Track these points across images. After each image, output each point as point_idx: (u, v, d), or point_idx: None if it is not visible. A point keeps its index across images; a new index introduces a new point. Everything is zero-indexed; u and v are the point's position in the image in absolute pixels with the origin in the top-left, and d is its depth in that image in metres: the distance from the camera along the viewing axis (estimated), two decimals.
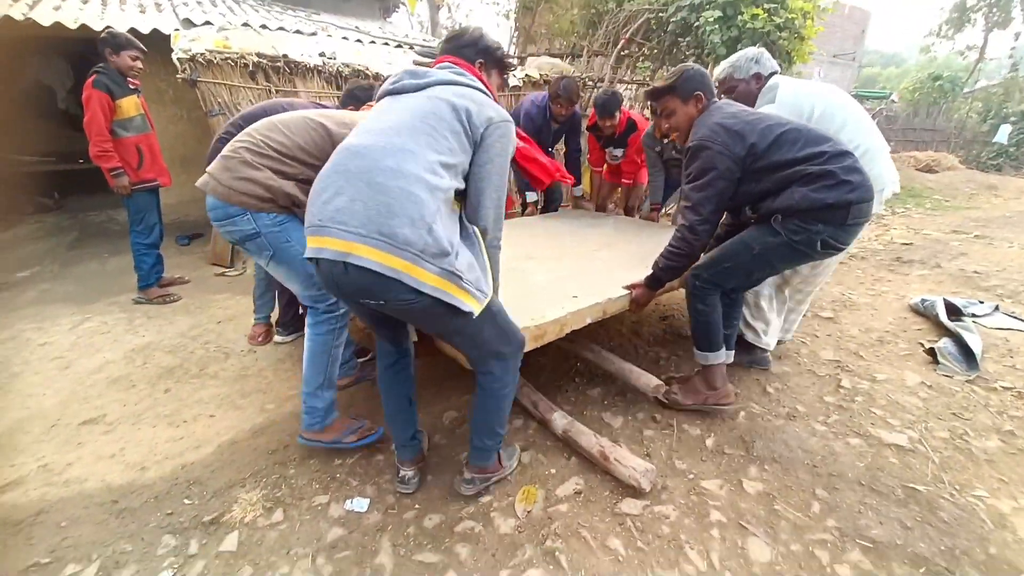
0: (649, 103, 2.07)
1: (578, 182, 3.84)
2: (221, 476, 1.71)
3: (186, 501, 1.60)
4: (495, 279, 1.41)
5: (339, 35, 5.44)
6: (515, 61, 6.18)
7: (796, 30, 4.12)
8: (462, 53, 1.47)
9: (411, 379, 1.64)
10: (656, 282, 1.97)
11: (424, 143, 1.21)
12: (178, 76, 3.40)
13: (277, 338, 2.69)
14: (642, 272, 1.99)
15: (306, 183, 1.57)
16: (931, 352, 2.68)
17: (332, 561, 1.41)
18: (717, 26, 4.21)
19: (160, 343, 2.72)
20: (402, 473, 1.65)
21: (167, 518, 1.54)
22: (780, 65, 4.36)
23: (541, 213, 3.69)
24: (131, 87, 3.07)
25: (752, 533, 1.52)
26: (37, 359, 2.55)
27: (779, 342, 2.52)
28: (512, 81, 4.79)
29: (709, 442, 1.92)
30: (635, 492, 1.65)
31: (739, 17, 4.11)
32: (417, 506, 1.61)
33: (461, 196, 1.34)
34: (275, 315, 2.73)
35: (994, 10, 13.88)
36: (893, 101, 11.64)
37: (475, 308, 1.24)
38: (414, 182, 1.15)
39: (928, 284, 3.90)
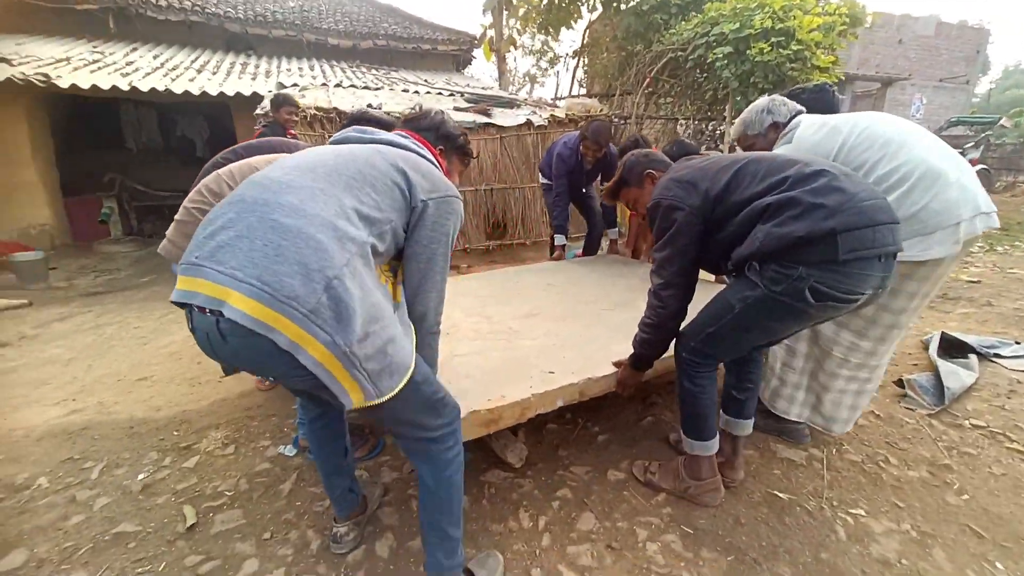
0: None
1: (614, 224, 3.76)
2: (204, 420, 2.27)
3: (174, 433, 2.17)
4: (433, 368, 1.26)
5: (400, 88, 6.35)
6: (561, 103, 6.67)
7: (808, 60, 4.10)
8: (423, 135, 1.36)
9: (343, 429, 1.49)
10: (638, 360, 1.70)
11: (342, 186, 1.02)
12: (255, 127, 4.36)
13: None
14: None
15: None
16: (900, 384, 2.55)
17: (251, 483, 1.85)
18: (727, 61, 4.33)
19: None
20: (336, 530, 1.50)
21: (159, 441, 2.11)
22: None
23: (583, 255, 3.68)
24: (288, 137, 3.70)
25: (589, 509, 1.71)
26: (129, 337, 3.41)
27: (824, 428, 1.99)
28: (537, 120, 5.26)
29: (601, 439, 2.10)
30: (505, 466, 1.90)
31: (748, 52, 4.21)
32: None
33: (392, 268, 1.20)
34: None
35: None
36: (1003, 126, 10.11)
37: (353, 403, 0.98)
38: (318, 225, 0.93)
39: (969, 323, 3.56)
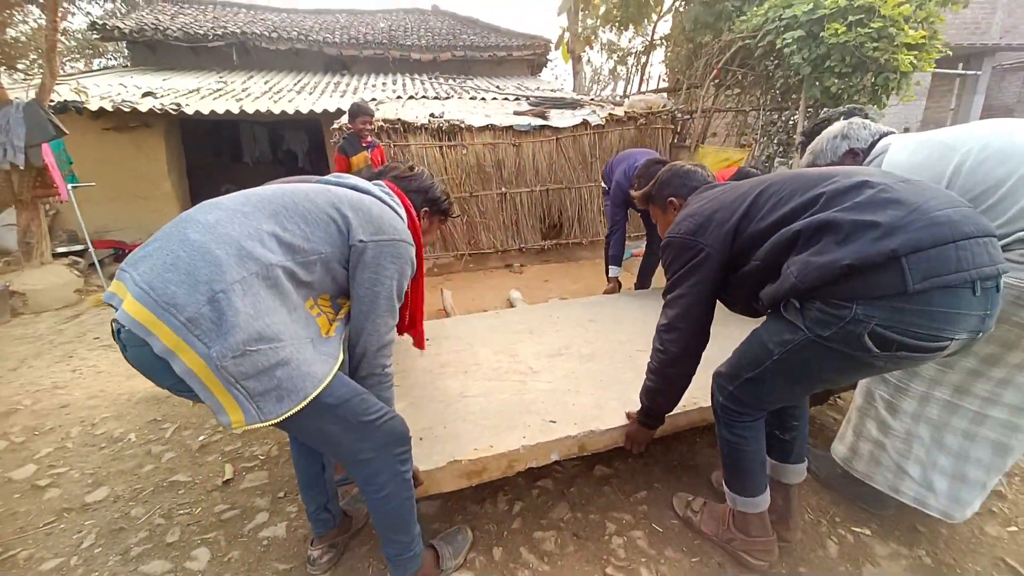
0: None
1: None
2: None
3: None
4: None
5: (468, 96, 6.66)
6: (627, 100, 6.55)
7: (894, 38, 3.62)
8: (410, 197, 1.40)
9: None
10: (646, 415, 1.54)
11: (268, 212, 1.06)
12: (332, 141, 4.87)
13: None
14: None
15: None
16: None
17: (281, 450, 2.14)
18: (797, 46, 3.97)
19: None
20: (310, 553, 1.50)
21: None
22: (887, 79, 3.91)
23: (638, 283, 3.55)
24: (363, 145, 3.97)
25: (566, 499, 1.75)
26: None
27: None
28: (594, 120, 5.23)
29: None
30: None
31: (821, 34, 3.83)
32: None
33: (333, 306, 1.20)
34: None
35: None
36: None
37: (231, 421, 0.96)
38: (221, 243, 0.97)
39: None
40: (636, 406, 1.58)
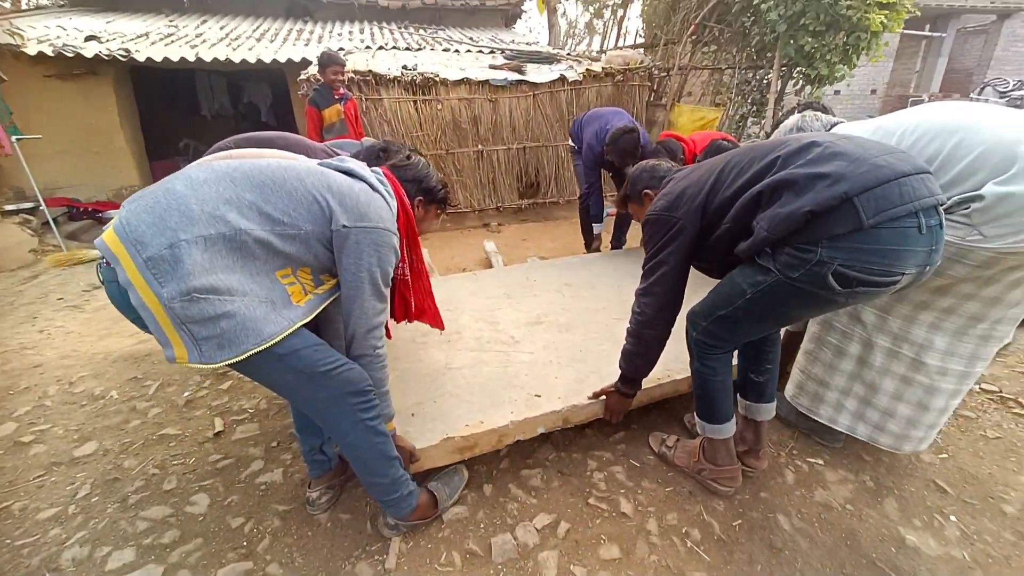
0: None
1: None
2: None
3: None
4: (378, 387, 1.30)
5: (442, 48, 6.40)
6: (604, 55, 6.44)
7: None
8: (404, 186, 1.42)
9: None
10: (626, 382, 1.64)
11: (255, 183, 1.10)
12: (299, 93, 4.65)
13: None
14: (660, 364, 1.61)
15: None
16: None
17: (270, 404, 2.18)
18: (774, 2, 3.97)
19: None
20: (308, 494, 1.59)
21: (202, 367, 2.50)
22: (859, 39, 3.98)
23: (613, 239, 3.55)
24: (336, 97, 3.82)
25: (550, 442, 1.86)
26: None
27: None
28: (572, 76, 5.15)
29: None
30: None
31: None
32: None
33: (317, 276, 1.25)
34: None
35: None
36: None
37: (175, 356, 1.04)
38: (200, 199, 1.03)
39: None
40: (614, 379, 1.69)
